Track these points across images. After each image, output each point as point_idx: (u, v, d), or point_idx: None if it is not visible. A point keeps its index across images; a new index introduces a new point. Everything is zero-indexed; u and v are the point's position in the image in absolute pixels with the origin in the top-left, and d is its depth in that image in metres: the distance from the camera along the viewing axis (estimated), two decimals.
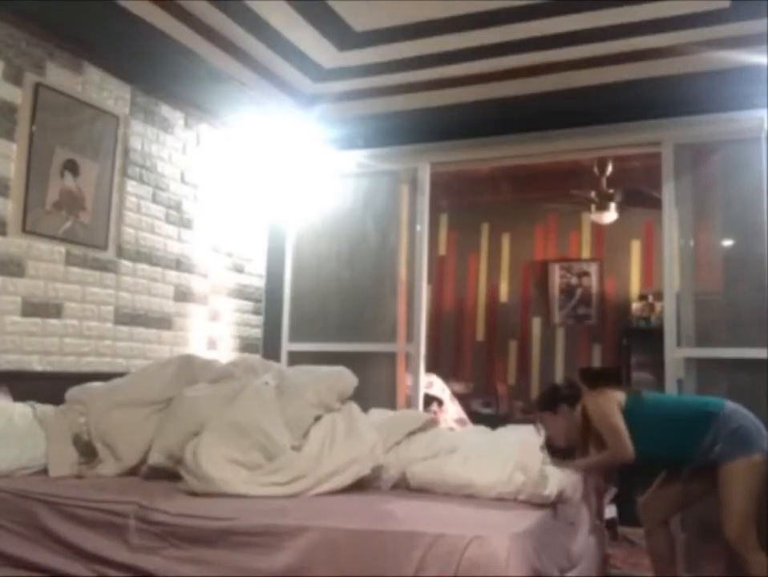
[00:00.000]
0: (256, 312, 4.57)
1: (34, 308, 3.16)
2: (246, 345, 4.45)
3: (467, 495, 2.43)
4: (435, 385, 5.36)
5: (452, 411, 5.52)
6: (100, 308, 3.47)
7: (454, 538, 1.91)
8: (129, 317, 3.63)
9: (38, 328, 3.18)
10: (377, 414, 3.11)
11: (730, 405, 2.99)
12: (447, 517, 2.18)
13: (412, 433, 2.85)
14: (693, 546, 3.65)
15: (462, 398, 6.46)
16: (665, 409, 3.14)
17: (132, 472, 2.80)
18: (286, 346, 4.61)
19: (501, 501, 2.37)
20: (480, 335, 7.49)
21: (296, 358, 4.55)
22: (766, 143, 3.67)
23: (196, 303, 4.06)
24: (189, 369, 3.18)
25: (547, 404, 3.31)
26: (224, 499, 2.36)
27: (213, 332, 4.19)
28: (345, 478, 2.53)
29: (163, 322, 3.83)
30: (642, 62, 3.57)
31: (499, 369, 7.31)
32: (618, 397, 3.11)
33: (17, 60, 3.10)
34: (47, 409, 2.92)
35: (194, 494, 2.42)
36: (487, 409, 6.62)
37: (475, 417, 6.16)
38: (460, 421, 5.48)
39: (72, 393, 3.04)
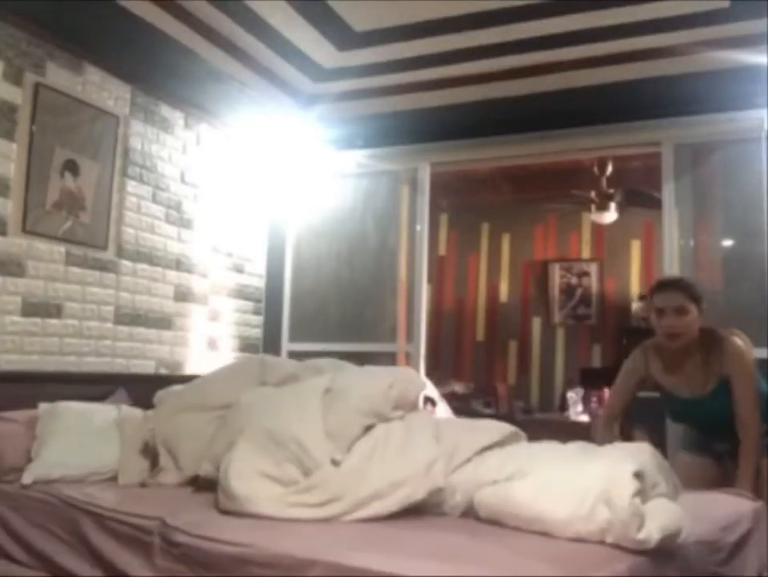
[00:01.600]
0: (256, 312, 4.56)
1: (34, 308, 3.16)
2: (246, 345, 4.44)
3: (541, 532, 1.90)
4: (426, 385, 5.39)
5: (443, 411, 5.55)
6: (100, 308, 3.47)
7: None
8: (129, 317, 3.63)
9: (38, 328, 3.18)
10: (454, 423, 2.72)
11: None
12: (497, 560, 1.68)
13: (488, 449, 2.31)
14: None
15: (462, 398, 6.46)
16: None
17: (194, 481, 2.57)
18: (286, 346, 4.61)
19: (582, 542, 1.80)
20: (480, 335, 7.50)
21: (296, 358, 4.54)
22: (766, 143, 3.67)
23: (196, 303, 4.06)
24: (260, 370, 2.96)
25: (699, 296, 2.75)
26: (250, 520, 2.08)
27: (213, 332, 4.18)
28: (390, 504, 2.11)
29: (163, 322, 3.83)
30: (642, 62, 3.57)
31: (499, 369, 7.31)
32: None
33: (17, 60, 3.09)
34: (132, 412, 2.87)
35: (226, 512, 2.17)
36: (487, 409, 6.62)
37: (475, 417, 6.16)
38: None
39: (158, 395, 2.96)
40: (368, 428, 2.40)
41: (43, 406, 2.83)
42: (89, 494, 2.37)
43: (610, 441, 2.57)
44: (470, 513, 2.12)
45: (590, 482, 1.87)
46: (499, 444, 2.34)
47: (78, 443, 2.67)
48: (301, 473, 2.24)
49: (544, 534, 1.88)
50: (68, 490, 2.42)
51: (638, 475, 1.85)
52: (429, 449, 2.27)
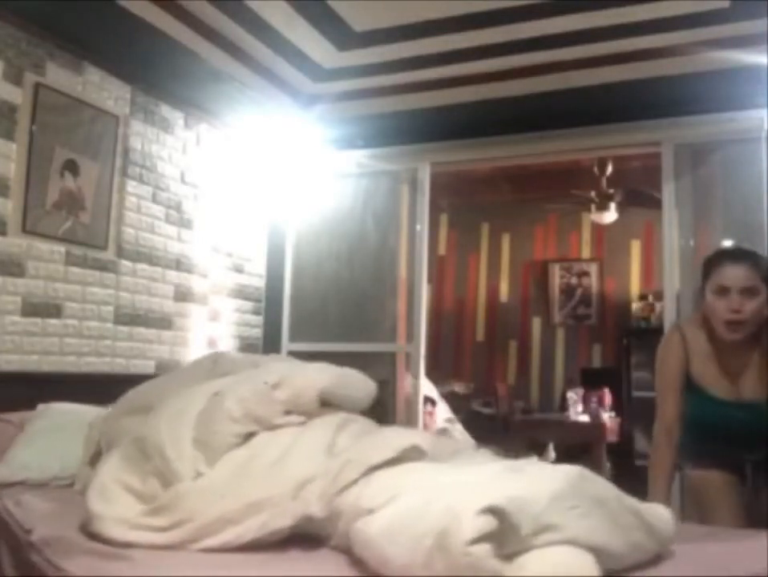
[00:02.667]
0: (256, 312, 4.57)
1: (34, 308, 3.16)
2: (246, 345, 4.44)
3: None
4: (425, 385, 5.41)
5: (443, 411, 5.57)
6: (100, 308, 3.47)
7: None
8: (129, 317, 3.63)
9: (38, 328, 3.18)
10: (361, 433, 2.16)
11: None
12: None
13: (378, 468, 1.82)
14: None
15: (462, 398, 6.47)
16: None
17: None
18: (286, 346, 4.61)
19: None
20: (480, 335, 7.50)
21: (296, 358, 4.55)
22: (766, 143, 3.67)
23: (196, 303, 4.06)
24: (212, 368, 2.72)
25: None
26: (96, 544, 1.78)
27: (213, 332, 4.18)
28: (243, 531, 1.73)
29: (163, 322, 3.83)
30: (642, 62, 3.57)
31: (499, 369, 7.31)
32: None
33: (17, 60, 3.09)
34: (101, 414, 2.69)
35: (85, 530, 1.87)
36: (487, 409, 6.62)
37: (476, 417, 6.17)
38: (449, 421, 5.53)
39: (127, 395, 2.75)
40: (248, 436, 2.06)
41: (40, 407, 2.79)
42: (19, 501, 2.16)
43: (672, 465, 2.24)
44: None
45: (431, 520, 1.44)
46: (398, 461, 1.84)
47: (51, 446, 2.56)
48: (162, 488, 1.93)
49: None
50: (12, 494, 2.25)
51: (493, 512, 1.36)
52: (307, 465, 1.87)
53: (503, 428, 6.35)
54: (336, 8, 3.28)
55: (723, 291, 2.19)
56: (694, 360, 2.30)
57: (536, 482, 1.53)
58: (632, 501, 1.63)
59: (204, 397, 2.21)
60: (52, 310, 3.24)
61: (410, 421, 4.32)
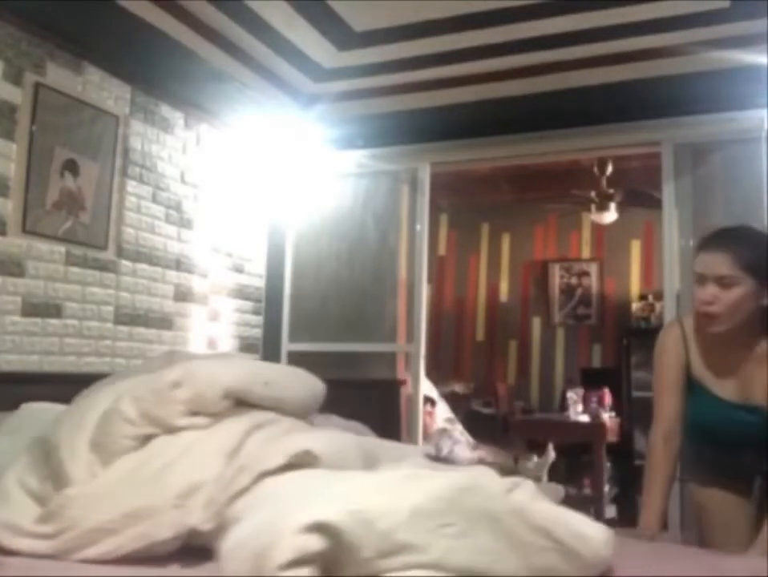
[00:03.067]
0: (256, 312, 4.56)
1: (34, 308, 3.16)
2: (246, 345, 4.44)
3: None
4: (425, 385, 5.42)
5: (443, 411, 5.57)
6: (100, 308, 3.47)
7: None
8: (129, 317, 3.63)
9: (38, 328, 3.17)
10: (267, 434, 1.95)
11: None
12: None
13: (270, 474, 1.68)
14: None
15: (462, 398, 6.47)
16: None
17: None
18: (286, 346, 4.61)
19: None
20: (480, 335, 7.50)
21: (296, 358, 4.55)
22: (766, 143, 3.67)
23: (195, 303, 4.06)
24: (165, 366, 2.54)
25: (760, 266, 1.96)
26: None
27: (213, 332, 4.18)
28: (124, 542, 1.61)
29: (163, 322, 3.83)
30: (642, 62, 3.57)
31: (499, 369, 7.32)
32: None
33: (17, 60, 3.09)
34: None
35: None
36: (487, 409, 6.62)
37: (476, 417, 6.18)
38: (449, 421, 5.53)
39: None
40: (148, 439, 1.91)
41: (22, 407, 2.68)
42: None
43: (670, 476, 2.02)
44: None
45: (260, 538, 1.26)
46: (291, 467, 1.68)
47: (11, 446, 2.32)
48: (54, 491, 1.81)
49: None
50: None
51: (321, 528, 1.17)
52: (197, 472, 1.73)
53: (503, 428, 6.35)
54: (336, 8, 3.28)
55: (700, 279, 2.00)
56: (695, 356, 2.09)
57: (403, 494, 1.30)
58: (548, 516, 1.40)
59: (113, 395, 2.04)
60: (52, 310, 3.24)
61: (411, 422, 4.32)
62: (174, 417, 1.93)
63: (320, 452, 1.71)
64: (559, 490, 4.66)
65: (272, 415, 2.03)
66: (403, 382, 4.30)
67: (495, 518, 1.31)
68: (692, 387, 2.09)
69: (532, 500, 1.43)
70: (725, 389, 2.03)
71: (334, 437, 1.95)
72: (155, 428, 1.91)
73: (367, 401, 3.85)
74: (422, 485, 1.34)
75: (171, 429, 1.91)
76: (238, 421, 1.95)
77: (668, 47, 3.44)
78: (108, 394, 2.07)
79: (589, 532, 1.44)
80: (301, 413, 2.19)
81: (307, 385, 2.30)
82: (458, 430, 5.43)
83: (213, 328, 4.19)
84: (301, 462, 1.68)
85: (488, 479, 1.43)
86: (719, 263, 1.95)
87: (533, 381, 7.22)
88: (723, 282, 1.94)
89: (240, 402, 2.04)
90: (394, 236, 4.56)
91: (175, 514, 1.63)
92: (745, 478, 2.04)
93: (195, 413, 1.95)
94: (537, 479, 4.64)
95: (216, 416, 1.95)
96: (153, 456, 1.83)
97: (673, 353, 2.11)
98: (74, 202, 3.33)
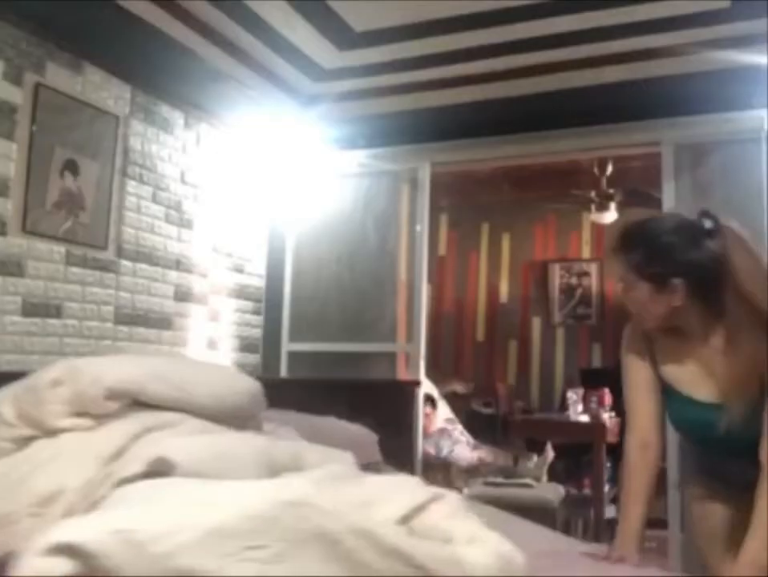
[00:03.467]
0: (256, 313, 4.56)
1: (34, 308, 3.16)
2: (246, 345, 4.45)
3: None
4: (425, 385, 5.42)
5: (443, 411, 5.57)
6: (100, 308, 3.47)
7: None
8: (129, 317, 3.63)
9: (38, 328, 3.18)
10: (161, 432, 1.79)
11: None
12: None
13: (129, 481, 1.51)
14: None
15: (462, 398, 6.47)
16: None
17: None
18: (286, 346, 4.61)
19: None
20: (480, 335, 7.50)
21: (296, 358, 4.55)
22: (766, 143, 3.67)
23: (195, 303, 4.06)
24: None
25: (660, 270, 1.83)
26: None
27: (213, 332, 4.18)
28: None
29: (163, 322, 3.83)
30: (642, 62, 3.57)
31: (499, 369, 7.32)
32: None
33: (17, 60, 3.09)
34: None
35: None
36: (487, 409, 6.62)
37: (476, 417, 6.17)
38: (449, 421, 5.53)
39: None
40: (28, 441, 1.77)
41: None
42: None
43: (650, 492, 1.79)
44: None
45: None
46: (144, 477, 1.51)
47: None
48: None
49: None
50: None
51: (66, 551, 1.03)
52: (60, 477, 1.58)
53: (502, 428, 6.36)
54: (336, 8, 3.28)
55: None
56: (662, 356, 1.92)
57: (209, 510, 1.14)
58: (406, 538, 1.21)
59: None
60: (52, 310, 3.24)
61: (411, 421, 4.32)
62: (53, 417, 1.79)
63: (179, 459, 1.53)
64: (560, 490, 4.66)
65: (177, 417, 1.87)
66: (418, 384, 4.28)
67: (332, 539, 1.13)
68: (665, 390, 1.92)
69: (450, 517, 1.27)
70: (696, 389, 1.84)
71: (215, 443, 1.74)
72: (33, 429, 1.78)
73: (378, 402, 3.86)
74: (239, 500, 1.18)
75: (52, 431, 1.77)
76: (126, 423, 1.79)
77: (668, 47, 3.44)
78: None
79: (474, 558, 1.23)
80: (228, 414, 2.00)
81: (234, 385, 2.13)
82: (458, 430, 5.43)
83: (213, 328, 4.19)
84: (159, 469, 1.51)
85: (332, 492, 1.23)
86: (617, 266, 1.91)
87: (533, 381, 7.23)
88: (623, 285, 1.93)
89: (141, 403, 1.89)
90: (394, 236, 4.56)
91: (32, 523, 1.50)
92: (742, 484, 1.74)
93: (80, 414, 1.80)
94: (537, 479, 4.64)
95: (103, 417, 1.80)
96: (25, 459, 1.70)
97: (638, 353, 1.98)
98: (74, 202, 3.33)
